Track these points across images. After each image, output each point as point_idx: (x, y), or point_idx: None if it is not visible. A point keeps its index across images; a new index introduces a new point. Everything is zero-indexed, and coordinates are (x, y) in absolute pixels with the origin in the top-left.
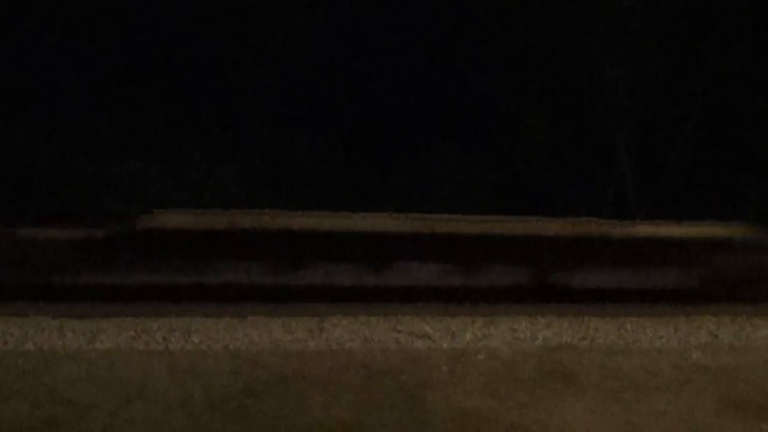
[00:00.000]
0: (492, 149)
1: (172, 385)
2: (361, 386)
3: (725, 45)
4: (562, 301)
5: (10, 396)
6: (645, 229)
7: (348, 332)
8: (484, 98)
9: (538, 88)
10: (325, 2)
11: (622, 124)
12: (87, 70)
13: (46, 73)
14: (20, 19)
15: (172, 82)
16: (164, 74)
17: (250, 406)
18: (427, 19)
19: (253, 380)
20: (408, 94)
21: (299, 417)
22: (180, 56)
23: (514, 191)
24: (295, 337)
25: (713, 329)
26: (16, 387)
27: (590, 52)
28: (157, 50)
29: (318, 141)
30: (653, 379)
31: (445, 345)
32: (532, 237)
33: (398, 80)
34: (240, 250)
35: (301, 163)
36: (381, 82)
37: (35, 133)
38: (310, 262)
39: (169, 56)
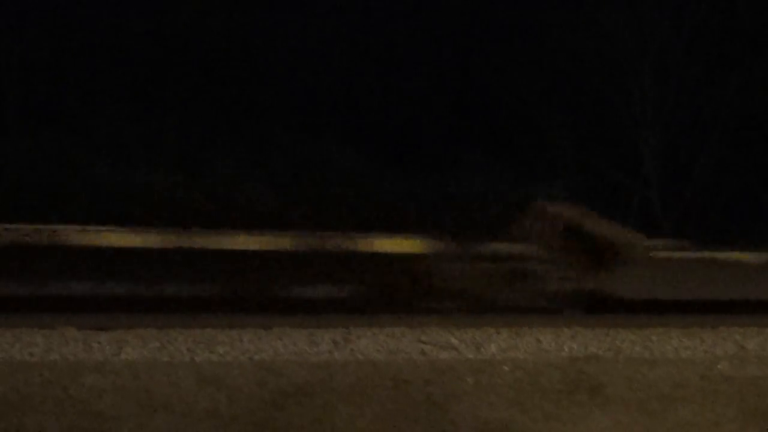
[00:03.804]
0: (518, 159)
1: (198, 396)
2: (386, 397)
3: (751, 55)
4: None
5: (35, 407)
6: None
7: (373, 343)
8: (511, 109)
9: (565, 98)
10: (355, 11)
11: (648, 134)
12: (109, 78)
13: (69, 80)
14: (47, 29)
15: (193, 89)
16: (185, 81)
17: (276, 417)
18: (457, 30)
19: (278, 391)
20: (436, 105)
21: (325, 428)
22: (202, 65)
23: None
24: (321, 348)
25: (740, 340)
26: (41, 398)
27: (617, 62)
28: (180, 59)
29: (346, 150)
30: (679, 390)
31: (470, 356)
32: None
33: (426, 91)
34: None
35: (328, 173)
36: (409, 92)
37: (56, 138)
38: None
39: (190, 65)
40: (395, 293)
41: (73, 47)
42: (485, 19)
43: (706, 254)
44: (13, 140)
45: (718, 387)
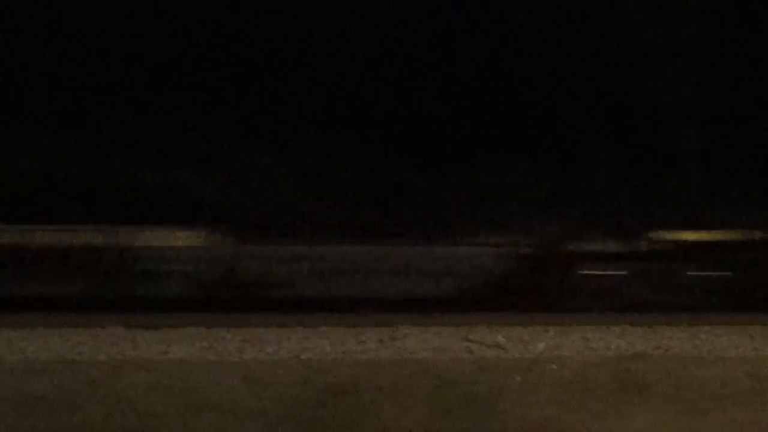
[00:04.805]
0: (548, 156)
1: (245, 395)
2: (432, 396)
3: None
4: None
5: (82, 406)
6: None
7: (419, 342)
8: (539, 105)
9: (594, 92)
10: (380, 8)
11: (681, 128)
12: (125, 75)
13: (91, 79)
14: (68, 23)
15: (210, 87)
16: (202, 80)
17: (323, 415)
18: (482, 26)
19: (324, 390)
20: (460, 102)
21: (371, 426)
22: (221, 60)
23: (570, 195)
24: (367, 347)
25: None
26: (88, 396)
27: (647, 56)
28: (196, 55)
29: (370, 148)
30: (728, 389)
31: (517, 354)
32: None
33: (453, 88)
34: None
35: (351, 171)
36: (437, 90)
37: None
38: None
39: (208, 60)
40: None
41: (100, 46)
42: (507, 14)
43: None
44: (36, 139)
45: None
